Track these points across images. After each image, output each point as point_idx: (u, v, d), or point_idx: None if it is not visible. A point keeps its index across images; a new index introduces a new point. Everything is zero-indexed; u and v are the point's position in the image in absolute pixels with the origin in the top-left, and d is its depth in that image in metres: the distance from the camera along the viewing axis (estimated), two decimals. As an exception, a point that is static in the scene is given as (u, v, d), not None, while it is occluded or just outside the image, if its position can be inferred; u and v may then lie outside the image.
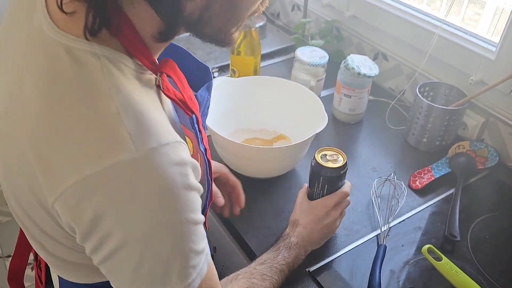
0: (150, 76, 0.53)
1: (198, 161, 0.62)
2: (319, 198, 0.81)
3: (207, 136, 0.86)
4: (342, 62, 1.12)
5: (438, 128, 1.05)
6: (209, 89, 0.63)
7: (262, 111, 1.07)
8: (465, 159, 1.03)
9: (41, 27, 0.49)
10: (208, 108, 0.65)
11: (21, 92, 0.48)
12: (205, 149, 0.61)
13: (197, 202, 0.50)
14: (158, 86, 0.53)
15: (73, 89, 0.46)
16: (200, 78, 0.64)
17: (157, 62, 0.56)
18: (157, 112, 0.50)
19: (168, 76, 0.54)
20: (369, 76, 1.08)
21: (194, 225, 0.49)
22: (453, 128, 1.06)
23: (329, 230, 0.82)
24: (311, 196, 0.83)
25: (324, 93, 1.26)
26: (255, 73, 1.22)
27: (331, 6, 1.39)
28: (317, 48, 1.17)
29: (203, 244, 0.52)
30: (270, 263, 0.73)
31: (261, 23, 1.47)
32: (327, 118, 0.92)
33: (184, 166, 0.48)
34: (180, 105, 0.54)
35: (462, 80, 1.10)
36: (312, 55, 1.14)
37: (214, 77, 1.29)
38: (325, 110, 0.94)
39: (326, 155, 0.81)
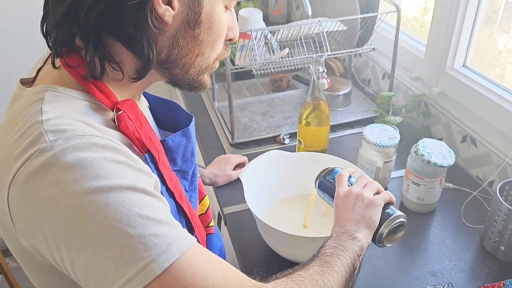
0: (109, 112, 0.58)
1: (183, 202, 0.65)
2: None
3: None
4: (413, 146, 1.02)
5: (519, 238, 0.88)
6: (186, 135, 0.67)
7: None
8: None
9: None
10: (192, 155, 0.69)
11: None
12: (169, 189, 0.62)
13: (128, 172, 0.51)
14: (113, 121, 0.57)
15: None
16: (186, 125, 0.69)
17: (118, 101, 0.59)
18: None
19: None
20: (441, 166, 0.96)
21: (132, 191, 0.49)
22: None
23: (362, 205, 0.72)
24: None
25: (397, 173, 1.16)
26: (322, 146, 1.17)
27: (420, 79, 1.30)
28: (388, 127, 1.08)
29: (165, 216, 0.51)
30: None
31: (346, 90, 1.42)
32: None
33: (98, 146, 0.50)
34: (135, 142, 0.58)
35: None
36: (381, 134, 1.06)
37: (284, 144, 1.28)
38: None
39: None
